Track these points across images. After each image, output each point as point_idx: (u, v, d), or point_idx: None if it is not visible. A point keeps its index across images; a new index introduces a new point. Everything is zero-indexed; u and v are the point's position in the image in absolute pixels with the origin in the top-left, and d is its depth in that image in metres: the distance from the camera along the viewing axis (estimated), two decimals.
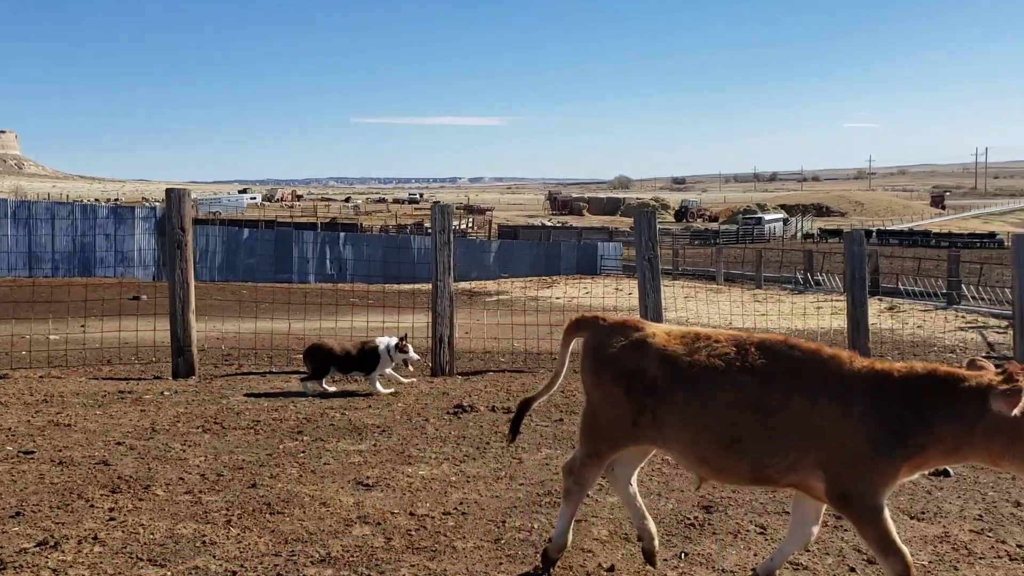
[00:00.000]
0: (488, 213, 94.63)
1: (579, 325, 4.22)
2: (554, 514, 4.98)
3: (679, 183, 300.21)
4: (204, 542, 4.45)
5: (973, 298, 21.87)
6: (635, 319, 4.24)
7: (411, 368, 9.18)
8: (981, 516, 5.05)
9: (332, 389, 8.71)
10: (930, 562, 4.34)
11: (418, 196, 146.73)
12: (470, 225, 78.37)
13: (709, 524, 4.89)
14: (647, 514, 4.18)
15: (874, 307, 23.72)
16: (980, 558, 4.40)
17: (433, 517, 4.98)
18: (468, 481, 5.70)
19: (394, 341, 8.56)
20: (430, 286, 10.72)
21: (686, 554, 4.44)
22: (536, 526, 4.81)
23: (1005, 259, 24.32)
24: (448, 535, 4.70)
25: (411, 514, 5.02)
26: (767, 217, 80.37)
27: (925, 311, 21.32)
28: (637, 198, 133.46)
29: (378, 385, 8.59)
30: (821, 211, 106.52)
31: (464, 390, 9.03)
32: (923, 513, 5.10)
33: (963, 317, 20.01)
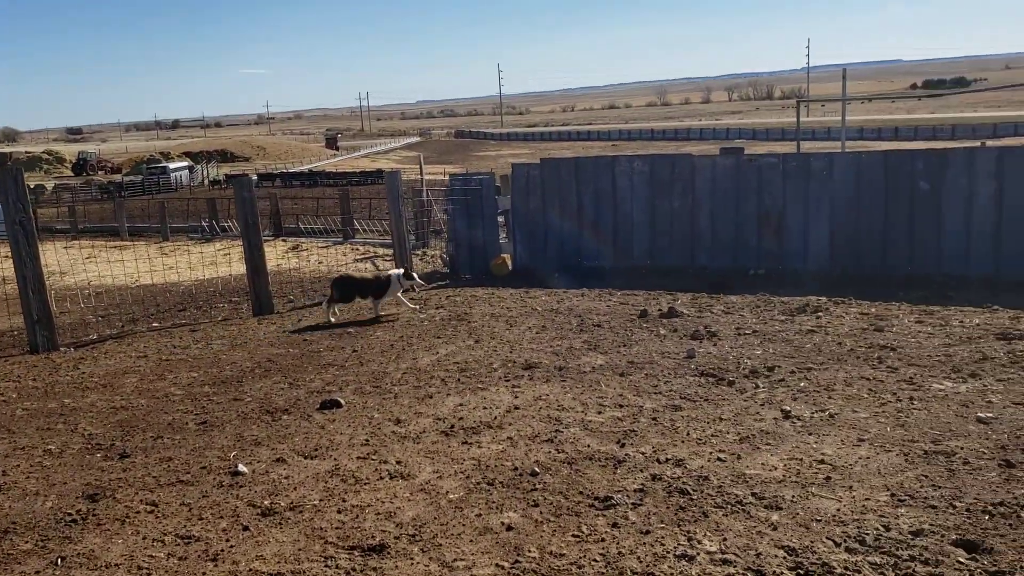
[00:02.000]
0: None
1: None
2: None
3: (75, 134, 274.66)
4: None
5: (365, 231, 23.87)
6: None
7: (416, 292, 11.06)
8: (367, 441, 5.41)
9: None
10: (321, 500, 4.49)
11: None
12: None
13: (94, 515, 4.41)
14: None
15: (279, 248, 24.53)
16: (365, 483, 4.69)
17: None
18: None
19: (401, 271, 10.23)
20: None
21: (63, 558, 3.93)
22: None
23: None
24: None
25: None
26: (172, 166, 77.42)
27: (325, 247, 22.69)
28: (27, 152, 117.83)
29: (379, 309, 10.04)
30: (226, 157, 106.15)
31: None
32: (316, 450, 5.27)
33: (358, 249, 21.75)
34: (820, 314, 8.52)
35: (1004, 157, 10.15)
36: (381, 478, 4.75)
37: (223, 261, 21.89)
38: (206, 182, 73.49)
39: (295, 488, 4.67)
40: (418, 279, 10.48)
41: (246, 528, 4.18)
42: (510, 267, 13.26)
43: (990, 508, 3.94)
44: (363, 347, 8.28)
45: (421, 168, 20.85)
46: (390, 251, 19.58)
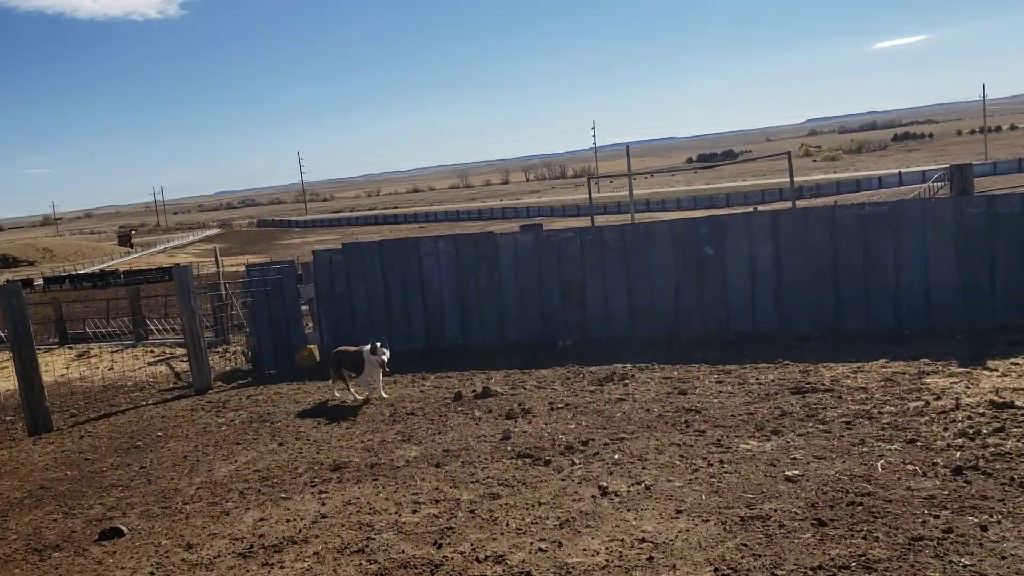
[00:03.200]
0: None
1: None
2: None
3: None
4: None
5: (160, 331, 22.38)
6: None
7: (385, 369, 9.07)
8: (152, 573, 4.77)
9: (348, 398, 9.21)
10: None
11: None
12: None
13: None
14: None
15: (64, 357, 22.50)
16: None
17: None
18: None
19: (367, 347, 8.92)
20: None
21: None
22: None
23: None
24: None
25: None
26: None
27: (116, 351, 21.00)
28: None
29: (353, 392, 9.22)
30: (8, 263, 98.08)
31: None
32: None
33: (152, 351, 20.29)
34: (627, 381, 8.60)
35: (778, 220, 10.85)
36: None
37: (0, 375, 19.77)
38: None
39: None
40: (385, 356, 8.91)
41: None
42: (318, 358, 12.69)
43: (810, 574, 3.92)
44: (152, 462, 7.50)
45: (217, 260, 19.90)
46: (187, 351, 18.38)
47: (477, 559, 4.48)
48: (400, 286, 12.42)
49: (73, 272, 71.24)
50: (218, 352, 16.83)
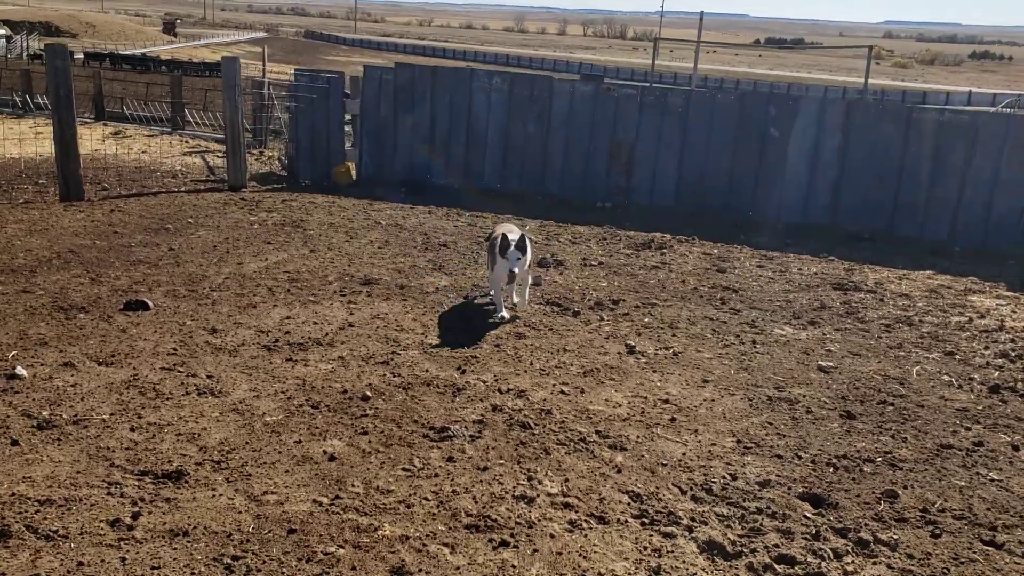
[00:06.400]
0: None
1: None
2: None
3: None
4: None
5: (198, 123, 22.17)
6: None
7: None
8: (175, 350, 4.79)
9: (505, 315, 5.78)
10: (112, 414, 3.88)
11: None
12: None
13: None
14: None
15: (99, 132, 22.44)
16: (167, 398, 4.10)
17: None
18: None
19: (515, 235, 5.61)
20: None
21: None
22: None
23: None
24: None
25: None
26: None
27: (151, 136, 20.91)
28: None
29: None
30: (50, 31, 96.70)
31: None
32: (113, 357, 4.61)
33: (187, 142, 20.16)
34: (665, 251, 8.44)
35: (851, 112, 10.37)
36: (188, 393, 4.17)
37: (32, 138, 19.74)
38: (25, 55, 66.76)
39: (82, 399, 4.02)
40: (524, 263, 5.64)
41: (15, 443, 3.53)
42: (354, 176, 12.54)
43: (834, 461, 3.87)
44: (181, 246, 7.49)
45: (264, 60, 19.42)
46: (223, 147, 18.22)
47: (499, 390, 4.46)
48: (447, 117, 12.09)
49: (115, 52, 70.29)
50: (253, 154, 16.66)
